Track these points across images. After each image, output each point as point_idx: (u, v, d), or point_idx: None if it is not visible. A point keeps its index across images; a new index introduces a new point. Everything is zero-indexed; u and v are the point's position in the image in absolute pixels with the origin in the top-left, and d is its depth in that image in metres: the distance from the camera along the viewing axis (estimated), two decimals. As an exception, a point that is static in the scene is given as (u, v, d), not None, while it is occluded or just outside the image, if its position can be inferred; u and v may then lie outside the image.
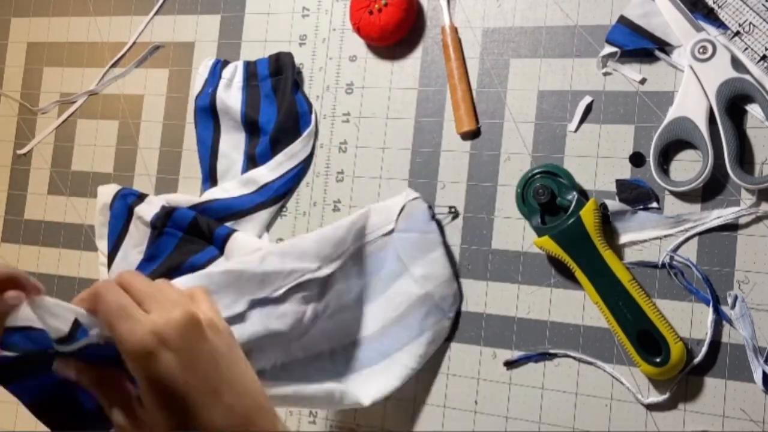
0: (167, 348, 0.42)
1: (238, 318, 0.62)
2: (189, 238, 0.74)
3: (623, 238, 0.65)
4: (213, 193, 0.76)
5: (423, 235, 0.68)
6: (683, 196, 0.64)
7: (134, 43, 0.85)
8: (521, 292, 0.68)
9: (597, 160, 0.66)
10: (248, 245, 0.71)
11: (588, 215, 0.63)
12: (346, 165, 0.75)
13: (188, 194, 0.79)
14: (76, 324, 0.43)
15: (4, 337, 0.42)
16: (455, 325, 0.69)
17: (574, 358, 0.65)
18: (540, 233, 0.65)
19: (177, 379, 0.43)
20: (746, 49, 0.62)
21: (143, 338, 0.42)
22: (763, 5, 0.62)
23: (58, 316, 0.42)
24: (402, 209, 0.69)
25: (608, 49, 0.66)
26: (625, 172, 0.66)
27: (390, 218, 0.69)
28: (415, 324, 0.67)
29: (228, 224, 0.74)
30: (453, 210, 0.69)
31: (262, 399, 0.46)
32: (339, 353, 0.69)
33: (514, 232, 0.68)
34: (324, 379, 0.65)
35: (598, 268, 0.63)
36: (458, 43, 0.71)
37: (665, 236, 0.64)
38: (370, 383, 0.67)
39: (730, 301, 0.61)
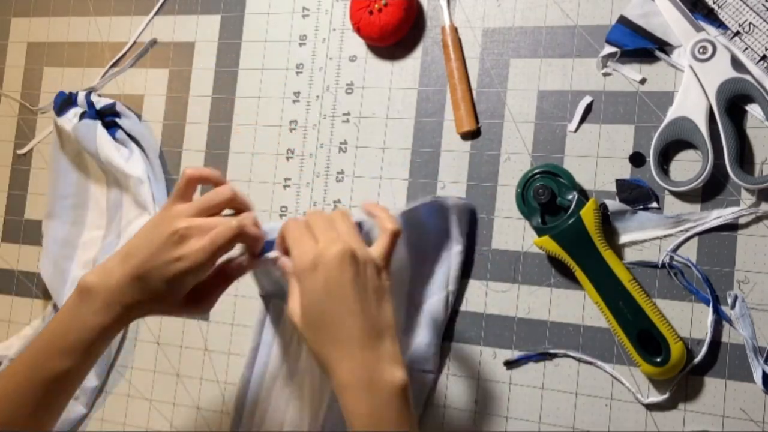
0: (319, 272, 0.54)
1: None
2: None
3: (623, 238, 0.65)
4: None
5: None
6: (683, 196, 0.64)
7: (134, 43, 0.85)
8: (521, 292, 0.68)
9: (597, 160, 0.66)
10: None
11: (588, 215, 0.63)
12: (346, 165, 0.75)
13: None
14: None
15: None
16: (455, 325, 0.69)
17: (574, 358, 0.65)
18: (540, 233, 0.65)
19: (319, 299, 0.54)
20: (746, 49, 0.62)
21: (306, 260, 0.55)
22: (763, 5, 0.62)
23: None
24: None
25: (608, 49, 0.66)
26: (625, 172, 0.66)
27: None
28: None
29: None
30: None
31: (388, 341, 0.55)
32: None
33: (514, 232, 0.68)
34: None
35: (598, 268, 0.63)
36: (458, 43, 0.71)
37: (665, 236, 0.64)
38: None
39: (730, 301, 0.61)
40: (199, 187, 0.64)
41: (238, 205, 0.62)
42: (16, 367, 0.59)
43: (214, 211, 0.60)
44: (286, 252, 0.59)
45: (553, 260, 0.66)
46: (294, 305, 0.56)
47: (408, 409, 0.53)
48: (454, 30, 0.72)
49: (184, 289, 0.59)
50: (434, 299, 0.68)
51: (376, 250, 0.57)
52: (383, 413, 0.52)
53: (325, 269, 0.54)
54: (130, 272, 0.58)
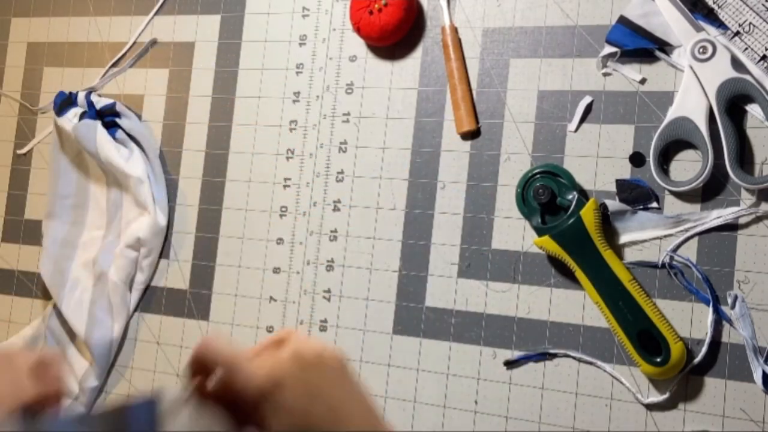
0: (284, 386, 0.43)
1: None
2: None
3: (623, 238, 0.65)
4: None
5: None
6: (683, 196, 0.64)
7: (134, 43, 0.85)
8: (521, 292, 0.68)
9: (597, 160, 0.66)
10: None
11: (588, 215, 0.63)
12: (346, 165, 0.75)
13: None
14: None
15: None
16: (455, 325, 0.69)
17: (574, 358, 0.65)
18: (540, 233, 0.65)
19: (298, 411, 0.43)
20: (746, 49, 0.62)
21: (260, 379, 0.42)
22: (763, 5, 0.62)
23: None
24: None
25: (608, 49, 0.66)
26: (625, 172, 0.66)
27: None
28: None
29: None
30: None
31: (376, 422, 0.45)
32: None
33: (514, 232, 0.68)
34: None
35: (598, 268, 0.63)
36: (458, 43, 0.71)
37: (665, 236, 0.64)
38: None
39: (730, 301, 0.61)
40: None
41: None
42: None
43: None
44: None
45: (553, 260, 0.66)
46: None
47: None
48: (454, 30, 0.72)
49: None
50: None
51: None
52: None
53: (298, 373, 0.43)
54: None
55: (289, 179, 0.77)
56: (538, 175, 0.66)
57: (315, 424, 0.43)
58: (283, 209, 0.77)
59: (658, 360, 0.61)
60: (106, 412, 0.44)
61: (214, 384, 0.44)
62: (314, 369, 0.45)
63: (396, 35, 0.72)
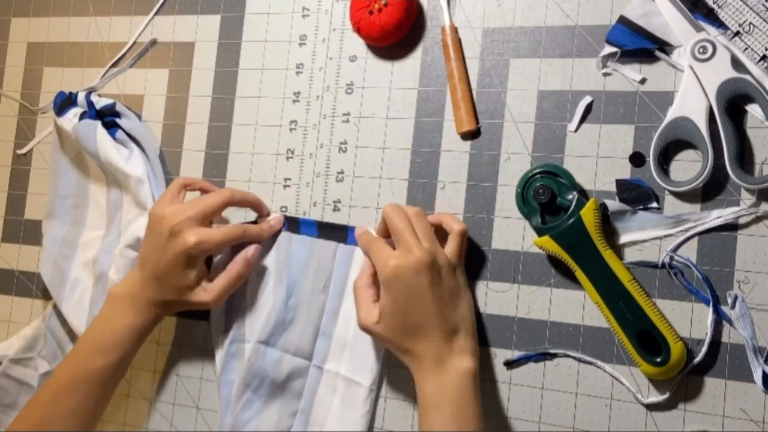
0: (400, 281, 0.61)
1: None
2: None
3: (623, 238, 0.65)
4: None
5: None
6: (683, 196, 0.64)
7: (134, 43, 0.85)
8: (521, 292, 0.68)
9: (597, 160, 0.66)
10: None
11: (588, 215, 0.63)
12: (346, 165, 0.75)
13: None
14: None
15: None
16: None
17: (574, 358, 0.65)
18: (540, 233, 0.65)
19: (402, 304, 0.61)
20: (746, 49, 0.62)
21: (388, 271, 0.61)
22: (763, 5, 0.62)
23: None
24: None
25: (608, 49, 0.66)
26: (625, 172, 0.66)
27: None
28: None
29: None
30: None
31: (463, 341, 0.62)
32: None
33: (514, 232, 0.68)
34: None
35: (598, 268, 0.63)
36: (458, 43, 0.71)
37: (665, 236, 0.64)
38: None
39: (730, 301, 0.62)
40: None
41: (237, 204, 0.74)
42: (58, 370, 0.69)
43: (206, 211, 0.70)
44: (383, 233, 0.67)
45: (553, 260, 0.66)
46: (369, 312, 0.64)
47: (471, 392, 0.60)
48: (454, 30, 0.72)
49: (194, 277, 0.69)
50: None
51: (448, 251, 0.64)
52: (446, 393, 0.59)
53: (405, 278, 0.61)
54: (147, 276, 0.69)
55: (289, 179, 0.77)
56: (538, 175, 0.66)
57: (404, 320, 0.62)
58: (284, 209, 0.77)
59: (658, 360, 0.61)
60: (333, 225, 0.73)
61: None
62: (427, 281, 0.61)
63: (396, 35, 0.72)
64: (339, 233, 0.73)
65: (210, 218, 0.70)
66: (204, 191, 0.75)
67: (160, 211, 0.70)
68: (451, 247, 0.64)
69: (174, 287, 0.69)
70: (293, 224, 0.74)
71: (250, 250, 0.71)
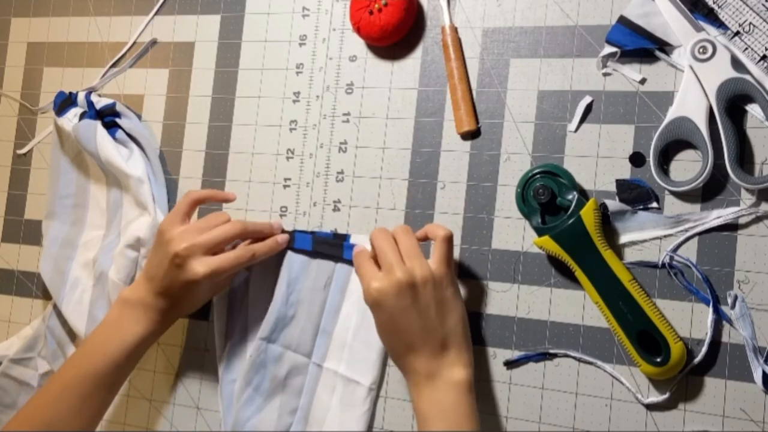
0: (382, 305, 0.62)
1: None
2: None
3: (623, 238, 0.65)
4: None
5: None
6: (683, 196, 0.64)
7: (134, 43, 0.85)
8: (521, 292, 0.68)
9: (597, 160, 0.66)
10: None
11: (588, 215, 0.63)
12: (346, 165, 0.75)
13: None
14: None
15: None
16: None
17: (574, 358, 0.65)
18: (540, 233, 0.65)
19: (388, 325, 0.63)
20: (746, 49, 0.62)
21: (370, 296, 0.62)
22: (763, 5, 0.62)
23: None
24: None
25: (608, 49, 0.66)
26: (625, 172, 0.66)
27: None
28: None
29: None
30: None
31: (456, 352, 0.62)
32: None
33: (514, 232, 0.68)
34: None
35: (598, 268, 0.63)
36: (458, 43, 0.71)
37: (665, 236, 0.64)
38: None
39: (730, 301, 0.61)
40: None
41: (249, 237, 0.73)
42: (63, 369, 0.68)
43: (216, 242, 0.69)
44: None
45: (553, 260, 0.66)
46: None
47: (466, 403, 0.60)
48: (454, 30, 0.72)
49: (204, 294, 0.71)
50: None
51: (434, 260, 0.63)
52: (441, 405, 0.60)
53: (386, 301, 0.61)
54: (153, 290, 0.69)
55: (289, 179, 0.77)
56: (538, 175, 0.66)
57: (394, 338, 0.63)
58: (284, 209, 0.77)
59: (658, 360, 0.61)
60: (328, 239, 0.73)
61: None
62: (408, 301, 0.61)
63: (396, 35, 0.72)
64: (335, 250, 0.72)
65: (217, 249, 0.69)
66: (222, 200, 0.76)
67: (168, 231, 0.69)
68: (436, 255, 0.63)
69: (185, 307, 0.71)
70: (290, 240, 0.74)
71: (280, 238, 0.73)
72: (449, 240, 0.64)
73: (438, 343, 0.61)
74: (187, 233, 0.68)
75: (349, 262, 0.72)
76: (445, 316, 0.62)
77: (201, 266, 0.67)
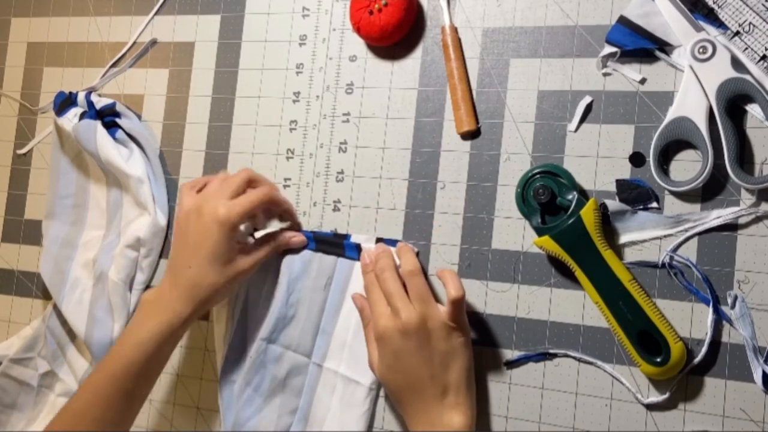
0: (387, 343, 0.63)
1: None
2: None
3: (623, 238, 0.65)
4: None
5: None
6: (683, 196, 0.64)
7: (134, 43, 0.85)
8: (521, 292, 0.68)
9: (597, 160, 0.66)
10: None
11: (588, 215, 0.63)
12: (346, 165, 0.75)
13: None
14: None
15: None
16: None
17: (574, 358, 0.65)
18: (540, 233, 0.65)
19: (391, 365, 0.63)
20: (746, 49, 0.62)
21: (378, 331, 0.63)
22: (763, 5, 0.62)
23: None
24: None
25: (608, 49, 0.66)
26: (625, 172, 0.66)
27: None
28: None
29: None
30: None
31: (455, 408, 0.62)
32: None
33: (514, 232, 0.68)
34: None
35: (598, 268, 0.63)
36: (458, 43, 0.71)
37: (665, 236, 0.64)
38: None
39: (730, 301, 0.61)
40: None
41: (274, 204, 0.72)
42: (99, 366, 0.67)
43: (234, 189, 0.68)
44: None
45: (553, 260, 0.66)
46: (373, 360, 0.65)
47: None
48: (454, 30, 0.72)
49: (224, 278, 0.68)
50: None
51: (444, 314, 0.63)
52: None
53: (392, 340, 0.62)
54: (170, 282, 0.68)
55: (289, 179, 0.77)
56: (538, 175, 0.66)
57: (395, 377, 0.63)
58: (283, 209, 0.76)
59: (658, 360, 0.61)
60: (329, 238, 0.73)
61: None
62: (414, 344, 0.62)
63: (396, 35, 0.72)
64: (336, 248, 0.73)
65: (236, 194, 0.68)
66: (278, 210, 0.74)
67: (182, 210, 0.69)
68: (446, 312, 0.63)
69: (216, 266, 0.66)
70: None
71: (297, 237, 0.72)
72: (460, 302, 0.62)
73: (439, 389, 0.62)
74: (199, 195, 0.69)
75: (350, 261, 0.72)
76: (449, 364, 0.62)
77: (221, 207, 0.66)
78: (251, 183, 0.70)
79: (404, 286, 0.65)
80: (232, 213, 0.66)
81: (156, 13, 0.85)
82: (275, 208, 0.72)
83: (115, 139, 0.80)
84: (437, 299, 0.66)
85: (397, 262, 0.68)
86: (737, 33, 0.63)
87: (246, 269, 0.68)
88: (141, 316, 0.68)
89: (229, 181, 0.69)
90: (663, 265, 0.64)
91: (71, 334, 0.83)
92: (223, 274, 0.67)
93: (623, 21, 0.66)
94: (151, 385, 0.69)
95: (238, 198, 0.67)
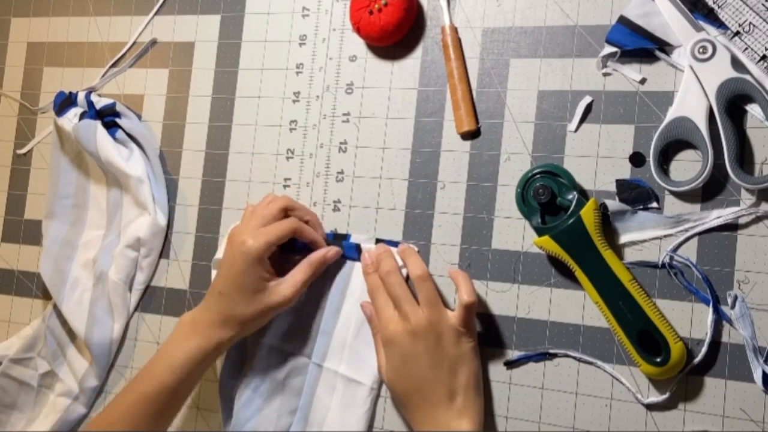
0: (396, 346, 0.63)
1: None
2: None
3: (623, 238, 0.65)
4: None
5: None
6: (683, 196, 0.64)
7: (134, 43, 0.85)
8: (521, 292, 0.68)
9: (597, 160, 0.66)
10: None
11: (588, 215, 0.63)
12: (346, 165, 0.75)
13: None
14: None
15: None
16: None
17: (574, 358, 0.65)
18: (540, 233, 0.65)
19: (399, 367, 0.63)
20: (746, 49, 0.62)
21: (386, 334, 0.64)
22: (763, 5, 0.62)
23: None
24: None
25: (608, 49, 0.66)
26: (625, 172, 0.66)
27: None
28: None
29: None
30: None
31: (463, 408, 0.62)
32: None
33: (514, 232, 0.68)
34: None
35: (598, 268, 0.63)
36: (458, 43, 0.71)
37: (665, 236, 0.64)
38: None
39: (730, 301, 0.61)
40: None
41: (299, 235, 0.70)
42: (131, 385, 0.67)
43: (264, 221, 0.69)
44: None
45: (553, 260, 0.66)
46: (381, 364, 0.66)
47: None
48: (454, 30, 0.72)
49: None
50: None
51: (454, 318, 0.63)
52: None
53: (401, 344, 0.63)
54: (214, 297, 0.67)
55: (289, 179, 0.77)
56: (538, 175, 0.66)
57: (403, 381, 0.64)
58: (283, 209, 0.76)
59: (658, 360, 0.61)
60: (328, 239, 0.73)
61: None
62: (423, 347, 0.63)
63: (396, 35, 0.72)
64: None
65: (269, 223, 0.68)
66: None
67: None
68: (456, 316, 0.63)
69: (245, 297, 0.66)
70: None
71: (331, 251, 0.70)
72: (471, 308, 0.63)
73: (447, 394, 0.62)
74: (243, 226, 0.69)
75: (350, 262, 0.72)
76: (458, 369, 0.63)
77: (250, 238, 0.66)
78: (287, 211, 0.70)
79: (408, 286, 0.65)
80: (256, 244, 0.65)
81: (156, 13, 0.85)
82: (301, 238, 0.70)
83: (115, 139, 0.80)
84: (445, 304, 0.66)
85: (400, 263, 0.68)
86: (737, 33, 0.63)
87: (282, 300, 0.67)
88: (177, 337, 0.68)
89: (266, 208, 0.69)
90: (663, 265, 0.64)
91: (71, 334, 0.83)
92: (251, 306, 0.66)
93: (623, 21, 0.66)
94: (180, 406, 0.69)
95: (265, 228, 0.67)
